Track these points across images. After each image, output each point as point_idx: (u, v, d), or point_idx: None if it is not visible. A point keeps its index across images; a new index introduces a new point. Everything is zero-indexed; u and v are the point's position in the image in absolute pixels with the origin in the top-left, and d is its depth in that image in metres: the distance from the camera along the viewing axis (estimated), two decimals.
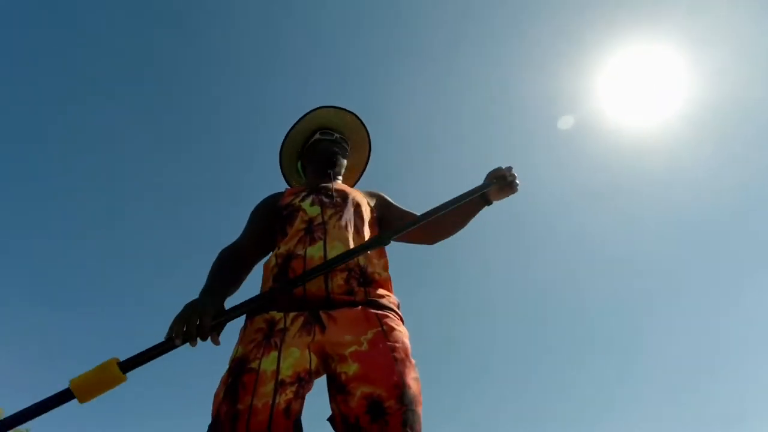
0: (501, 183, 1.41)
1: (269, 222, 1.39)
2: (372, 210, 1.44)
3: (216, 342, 1.07)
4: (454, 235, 1.50)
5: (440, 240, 1.51)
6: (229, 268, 1.28)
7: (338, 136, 1.61)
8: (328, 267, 1.14)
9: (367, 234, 1.34)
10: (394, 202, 1.54)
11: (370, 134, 1.70)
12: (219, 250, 1.33)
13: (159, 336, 1.02)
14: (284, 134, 1.66)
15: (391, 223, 1.47)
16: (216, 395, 1.05)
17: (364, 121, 1.67)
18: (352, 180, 1.76)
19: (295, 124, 1.64)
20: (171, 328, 1.02)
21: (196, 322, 1.01)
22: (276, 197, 1.48)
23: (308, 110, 1.63)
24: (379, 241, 1.23)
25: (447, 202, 1.32)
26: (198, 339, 1.02)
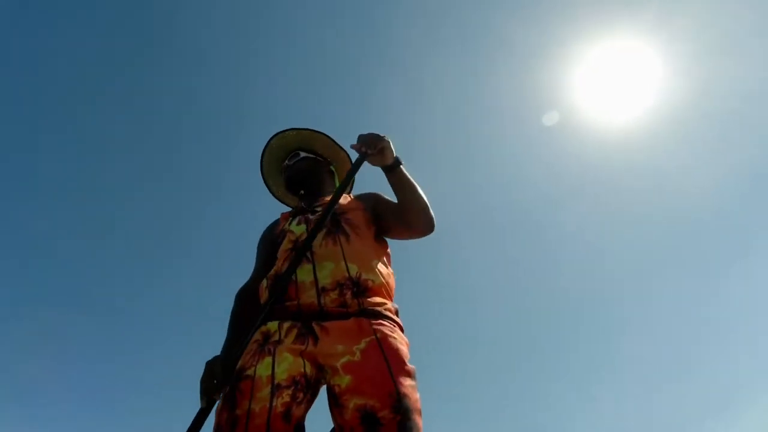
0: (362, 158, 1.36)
1: (271, 252, 1.40)
2: (364, 210, 1.42)
3: None
4: (428, 213, 1.36)
5: (416, 221, 1.36)
6: (244, 311, 1.35)
7: (305, 154, 1.61)
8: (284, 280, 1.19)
9: (360, 237, 1.32)
10: (385, 197, 1.47)
11: (335, 140, 1.66)
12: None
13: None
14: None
15: (385, 217, 1.42)
16: (217, 406, 1.07)
17: (318, 130, 1.64)
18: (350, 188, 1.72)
19: (261, 160, 1.69)
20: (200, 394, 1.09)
21: (213, 381, 1.07)
22: (273, 225, 1.51)
23: (270, 137, 1.66)
24: None
25: (339, 188, 1.37)
26: (220, 392, 1.08)
